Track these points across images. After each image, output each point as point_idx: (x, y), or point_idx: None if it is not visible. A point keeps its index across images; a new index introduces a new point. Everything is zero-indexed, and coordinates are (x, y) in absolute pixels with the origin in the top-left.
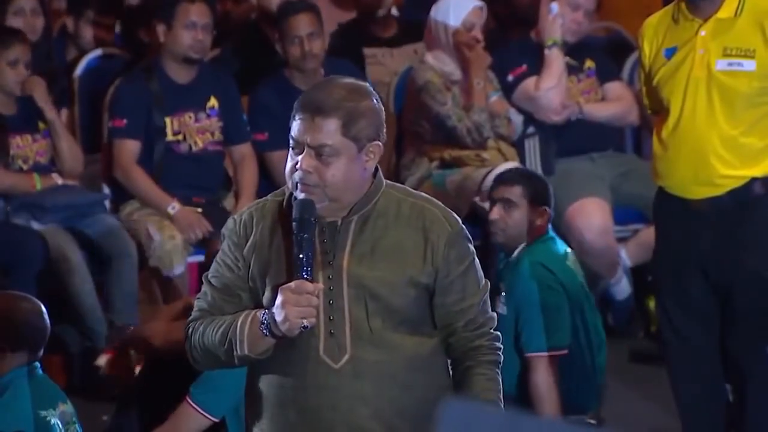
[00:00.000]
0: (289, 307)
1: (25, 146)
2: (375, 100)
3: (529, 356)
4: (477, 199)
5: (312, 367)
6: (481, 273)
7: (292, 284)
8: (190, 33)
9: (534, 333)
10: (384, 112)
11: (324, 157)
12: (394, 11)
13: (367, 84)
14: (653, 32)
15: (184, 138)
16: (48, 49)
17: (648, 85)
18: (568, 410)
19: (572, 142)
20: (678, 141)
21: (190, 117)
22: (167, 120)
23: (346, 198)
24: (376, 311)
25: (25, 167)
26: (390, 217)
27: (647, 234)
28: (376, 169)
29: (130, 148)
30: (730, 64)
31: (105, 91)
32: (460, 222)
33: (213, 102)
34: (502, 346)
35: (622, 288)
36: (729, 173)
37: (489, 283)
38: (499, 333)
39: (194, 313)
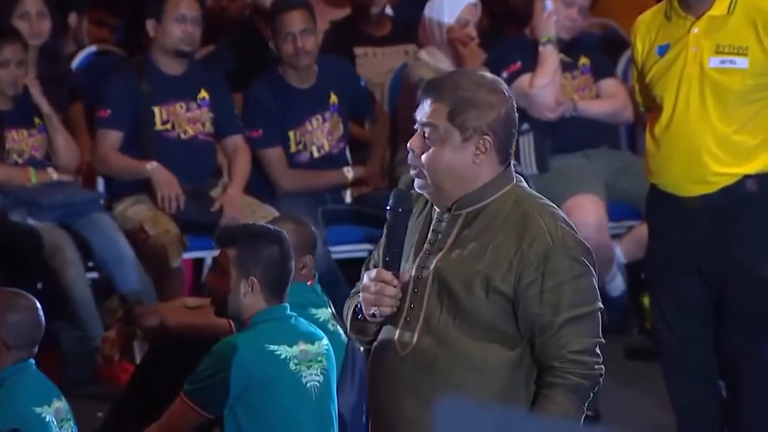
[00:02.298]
0: (364, 293)
1: (20, 140)
2: (498, 97)
3: None
4: None
5: (389, 353)
6: (587, 295)
7: (373, 272)
8: (179, 26)
9: None
10: (514, 113)
11: (429, 140)
12: (389, 10)
13: (501, 81)
14: (646, 29)
15: (173, 127)
16: (55, 50)
17: (641, 83)
18: None
19: (567, 139)
20: (671, 138)
21: (181, 107)
22: (156, 109)
23: (449, 187)
24: (450, 308)
25: (20, 161)
26: (498, 219)
27: (641, 230)
28: (508, 167)
29: (110, 138)
30: (723, 62)
31: (97, 88)
32: (573, 239)
33: (204, 94)
34: (586, 372)
35: (617, 285)
36: (722, 171)
37: (597, 309)
38: (587, 359)
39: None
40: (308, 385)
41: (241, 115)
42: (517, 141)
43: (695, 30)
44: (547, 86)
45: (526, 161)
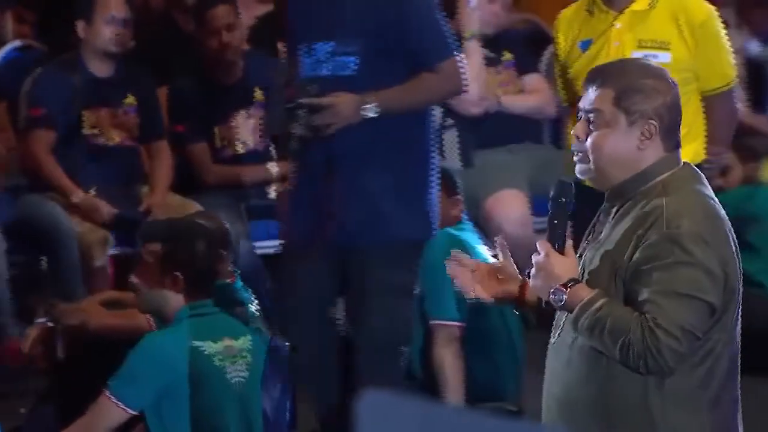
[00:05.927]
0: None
1: None
2: (664, 84)
3: (434, 324)
4: None
5: (552, 338)
6: (690, 284)
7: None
8: (110, 27)
9: (441, 299)
10: (679, 100)
11: (593, 124)
12: None
13: (665, 70)
14: (568, 24)
15: (101, 132)
16: None
17: (563, 78)
18: (485, 397)
19: (490, 135)
20: None
21: (107, 112)
22: (85, 113)
23: (612, 173)
24: None
25: None
26: (644, 206)
27: None
28: (672, 153)
29: (44, 138)
30: (645, 56)
31: (20, 83)
32: (690, 230)
33: (131, 99)
34: (652, 344)
35: None
36: None
37: (699, 298)
38: (663, 337)
39: None
40: (233, 380)
41: (165, 109)
42: (441, 136)
43: (617, 25)
44: (470, 81)
45: (450, 156)
